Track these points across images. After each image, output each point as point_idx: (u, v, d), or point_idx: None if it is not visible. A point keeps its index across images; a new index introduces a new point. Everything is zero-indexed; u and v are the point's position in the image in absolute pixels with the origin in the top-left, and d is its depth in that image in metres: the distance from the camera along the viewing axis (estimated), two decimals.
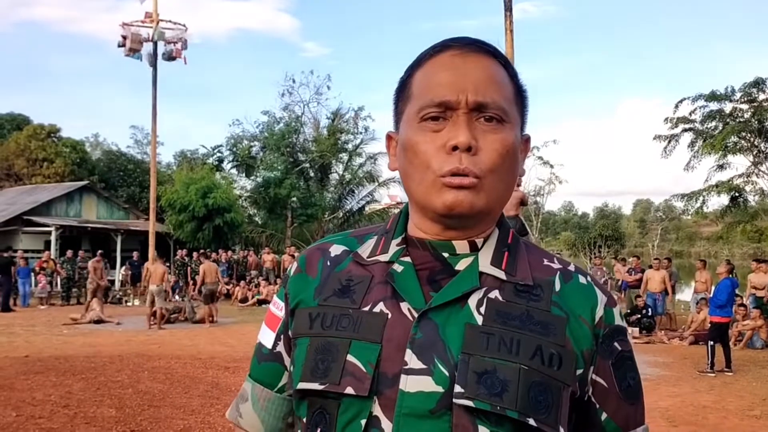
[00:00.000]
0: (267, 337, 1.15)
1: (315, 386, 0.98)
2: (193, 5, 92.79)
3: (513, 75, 1.04)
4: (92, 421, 6.98)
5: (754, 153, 24.30)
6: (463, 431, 0.90)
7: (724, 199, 25.57)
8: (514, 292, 0.99)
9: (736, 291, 12.78)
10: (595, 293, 1.03)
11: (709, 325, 11.44)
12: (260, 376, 1.15)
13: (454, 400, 0.91)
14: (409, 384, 0.93)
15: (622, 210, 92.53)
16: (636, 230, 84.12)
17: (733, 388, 9.41)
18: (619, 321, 1.03)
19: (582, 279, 1.04)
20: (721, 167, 24.83)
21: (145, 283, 15.54)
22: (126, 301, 21.58)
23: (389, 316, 0.98)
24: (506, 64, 1.04)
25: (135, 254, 24.01)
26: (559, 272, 1.04)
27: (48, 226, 26.10)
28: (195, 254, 23.87)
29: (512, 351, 0.94)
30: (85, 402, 7.76)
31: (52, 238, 25.71)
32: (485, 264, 1.01)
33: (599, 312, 1.01)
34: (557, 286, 1.01)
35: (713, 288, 16.36)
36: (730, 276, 11.65)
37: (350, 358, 0.97)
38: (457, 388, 0.91)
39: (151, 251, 21.10)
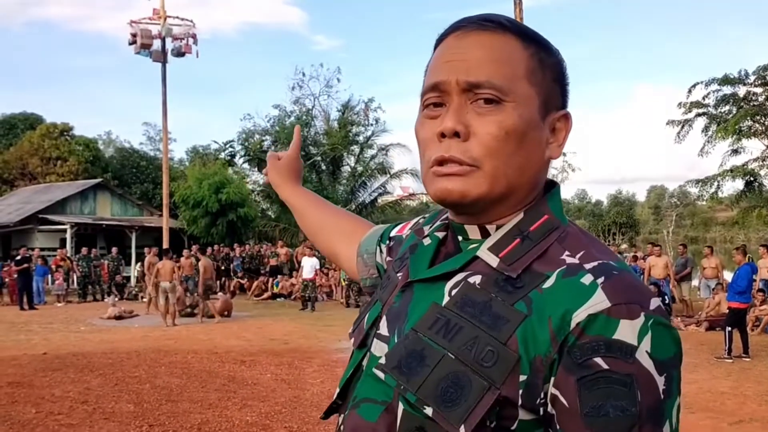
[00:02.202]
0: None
1: (350, 330, 1.10)
2: (201, 1, 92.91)
3: (531, 47, 0.96)
4: (111, 416, 7.03)
5: None
6: (394, 404, 0.91)
7: (739, 184, 25.37)
8: (494, 281, 0.91)
9: (754, 276, 12.69)
10: (588, 296, 0.83)
11: (727, 310, 11.37)
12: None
13: (373, 369, 0.95)
14: (376, 347, 0.98)
15: (636, 197, 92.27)
16: (650, 217, 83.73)
17: (750, 374, 9.35)
18: (621, 335, 0.81)
19: (587, 278, 0.85)
20: (735, 152, 24.62)
21: (155, 280, 15.54)
22: (142, 297, 21.71)
23: (398, 282, 1.04)
24: (523, 36, 0.96)
25: (147, 250, 24.17)
26: (565, 267, 0.88)
27: (63, 224, 26.31)
28: (208, 249, 23.99)
29: (447, 336, 0.88)
30: (103, 398, 7.82)
31: (68, 235, 25.91)
32: (484, 248, 0.95)
33: (578, 317, 0.82)
34: (549, 283, 0.87)
35: (725, 273, 16.33)
36: (748, 261, 11.57)
37: (367, 314, 1.06)
38: (382, 360, 0.94)
39: (165, 246, 21.17)
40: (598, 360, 0.80)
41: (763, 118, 23.75)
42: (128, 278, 24.31)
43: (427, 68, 1.00)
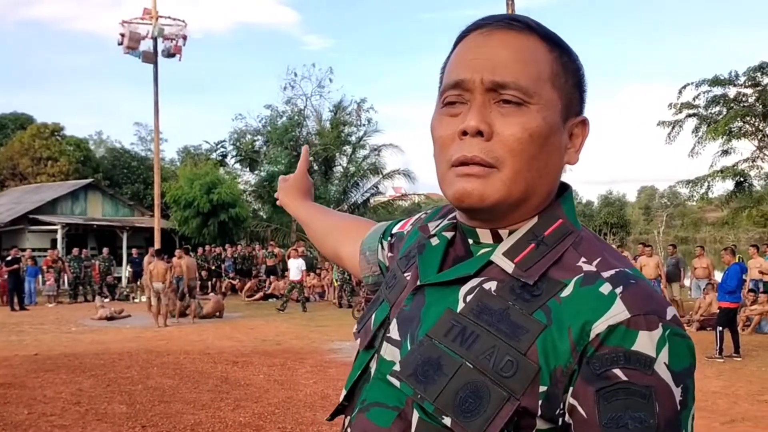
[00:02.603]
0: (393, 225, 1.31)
1: (354, 329, 1.10)
2: (193, 0, 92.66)
3: (555, 51, 0.95)
4: (103, 417, 7.01)
5: (759, 137, 24.22)
6: (407, 411, 0.90)
7: (729, 185, 25.53)
8: (510, 288, 0.90)
9: (744, 276, 12.76)
10: (608, 306, 0.83)
11: (718, 310, 11.43)
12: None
13: (387, 376, 0.93)
14: (386, 351, 0.97)
15: (627, 197, 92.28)
16: (641, 217, 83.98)
17: (742, 373, 9.41)
18: (639, 347, 0.81)
19: (605, 287, 0.85)
20: (725, 152, 24.77)
21: (147, 281, 15.50)
22: (133, 298, 21.66)
23: (407, 283, 1.02)
24: (547, 40, 0.94)
25: (135, 251, 24.17)
26: (582, 275, 0.88)
27: (54, 224, 26.20)
28: (199, 250, 23.95)
29: (465, 344, 0.87)
30: (95, 399, 7.79)
31: (59, 236, 25.80)
32: (499, 253, 0.93)
33: (598, 327, 0.82)
34: (567, 291, 0.87)
35: (716, 273, 16.42)
36: (738, 261, 11.64)
37: (374, 314, 1.05)
38: (396, 366, 0.93)
39: (157, 247, 21.12)
40: (617, 371, 0.80)
41: (753, 119, 23.90)
42: (119, 279, 24.24)
43: (445, 65, 0.99)
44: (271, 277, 22.42)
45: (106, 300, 18.55)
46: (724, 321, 10.85)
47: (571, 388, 0.83)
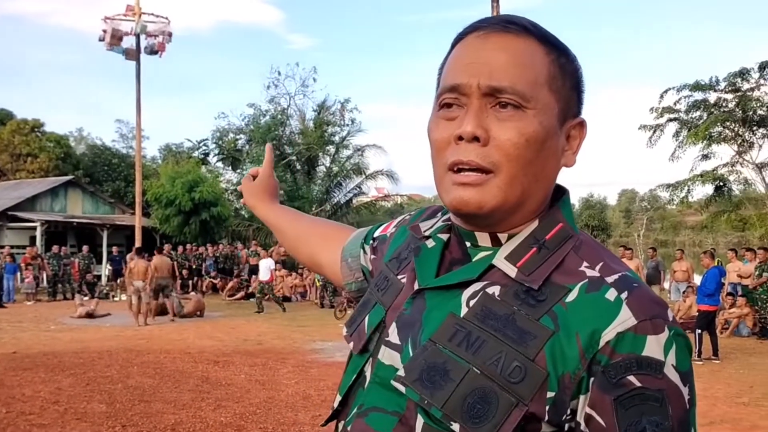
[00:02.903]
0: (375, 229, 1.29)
1: (344, 332, 1.08)
2: None
3: (553, 53, 0.94)
4: (83, 416, 6.95)
5: (738, 142, 24.50)
6: (409, 416, 0.89)
7: (709, 189, 25.81)
8: (514, 293, 0.90)
9: (722, 280, 12.89)
10: (615, 313, 0.84)
11: (697, 313, 11.54)
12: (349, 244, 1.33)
13: (392, 381, 0.92)
14: (385, 355, 0.95)
15: (608, 200, 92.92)
16: (621, 220, 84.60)
17: (720, 376, 9.50)
18: (649, 352, 0.82)
19: (611, 293, 0.86)
20: (705, 157, 25.06)
21: (129, 279, 15.38)
22: (113, 297, 21.49)
23: (404, 286, 1.01)
24: (545, 41, 0.94)
25: (115, 249, 24.00)
26: (587, 281, 0.88)
27: (33, 221, 25.91)
28: (180, 248, 23.81)
29: (471, 349, 0.87)
30: (75, 398, 7.72)
31: (38, 233, 25.54)
32: (501, 257, 0.93)
33: (608, 335, 0.83)
34: (572, 296, 0.87)
35: (695, 276, 16.58)
36: (717, 264, 11.75)
37: (367, 317, 1.03)
38: (400, 371, 0.91)
39: (137, 246, 20.99)
40: (631, 378, 0.82)
41: (733, 125, 24.17)
42: (99, 277, 24.04)
43: (442, 67, 0.98)
44: (254, 276, 22.34)
45: (86, 298, 18.36)
46: (703, 324, 10.96)
47: (581, 396, 0.84)
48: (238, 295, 21.33)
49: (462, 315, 0.90)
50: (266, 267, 18.19)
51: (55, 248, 21.90)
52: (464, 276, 0.93)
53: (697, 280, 15.12)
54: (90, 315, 15.88)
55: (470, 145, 0.89)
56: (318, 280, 20.04)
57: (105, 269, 25.09)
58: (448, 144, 0.92)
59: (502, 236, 0.95)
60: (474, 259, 0.96)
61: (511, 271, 0.91)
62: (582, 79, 0.98)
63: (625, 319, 0.84)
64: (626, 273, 0.90)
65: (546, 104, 0.91)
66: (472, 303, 0.91)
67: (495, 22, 0.94)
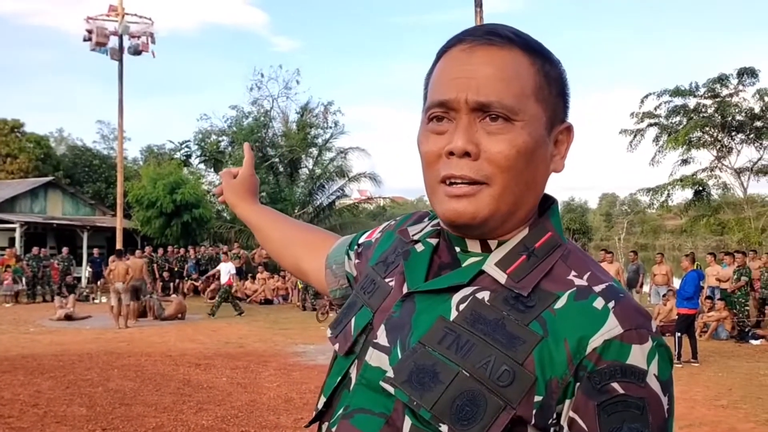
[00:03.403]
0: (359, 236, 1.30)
1: (329, 333, 1.08)
2: None
3: (538, 62, 0.95)
4: (63, 420, 6.89)
5: (717, 147, 24.76)
6: (396, 417, 0.90)
7: (688, 193, 26.07)
8: (503, 299, 0.91)
9: (701, 283, 13.02)
10: (603, 321, 0.86)
11: (677, 316, 11.65)
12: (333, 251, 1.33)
13: (380, 383, 0.92)
14: (372, 357, 0.96)
15: (589, 204, 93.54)
16: (602, 224, 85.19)
17: (699, 379, 9.60)
18: (633, 360, 0.85)
19: (599, 302, 0.88)
20: (685, 162, 25.31)
21: (110, 279, 15.29)
22: (93, 299, 21.32)
23: (392, 289, 1.02)
24: (529, 50, 0.95)
25: (96, 251, 23.83)
26: (575, 289, 0.90)
27: (12, 222, 25.66)
28: (161, 250, 23.66)
29: (460, 353, 0.88)
30: (54, 401, 7.66)
31: (17, 234, 25.29)
32: (491, 263, 0.95)
33: (594, 342, 0.85)
34: (560, 303, 0.89)
35: (674, 280, 16.74)
36: (696, 268, 11.87)
37: (353, 319, 1.04)
38: (389, 372, 0.92)
39: (119, 247, 20.86)
40: (615, 385, 0.84)
41: (712, 130, 24.43)
42: (79, 279, 23.84)
43: (429, 78, 0.99)
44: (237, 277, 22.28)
45: (64, 300, 18.22)
46: (683, 327, 11.07)
47: (567, 401, 0.86)
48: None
49: (451, 318, 0.92)
50: (226, 271, 18.03)
51: (35, 250, 21.71)
52: (454, 280, 0.95)
53: (676, 283, 15.28)
54: (69, 317, 15.75)
55: (462, 160, 0.91)
56: (299, 283, 19.99)
57: (85, 271, 24.89)
58: (438, 157, 0.93)
59: (492, 243, 0.97)
60: (463, 265, 0.97)
61: (501, 277, 0.93)
62: (567, 83, 1.00)
63: (611, 328, 0.86)
64: (612, 283, 0.92)
65: (533, 115, 0.93)
66: (461, 307, 0.92)
67: (479, 35, 0.94)
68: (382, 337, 0.96)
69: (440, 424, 0.86)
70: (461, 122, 0.92)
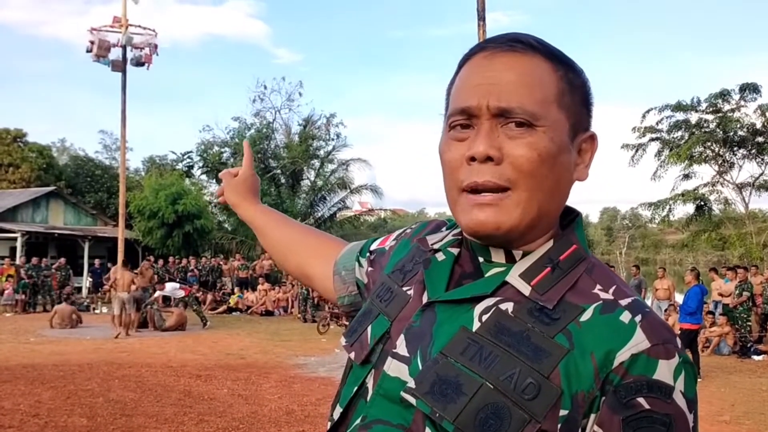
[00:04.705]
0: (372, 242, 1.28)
1: (343, 341, 1.06)
2: (164, 10, 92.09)
3: (560, 69, 0.94)
4: (63, 430, 6.88)
5: (719, 162, 24.80)
6: (415, 429, 0.88)
7: (690, 208, 26.06)
8: (528, 310, 0.90)
9: (704, 298, 13.00)
10: (630, 335, 0.85)
11: (679, 331, 11.61)
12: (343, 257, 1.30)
13: (401, 393, 0.90)
14: (391, 367, 0.94)
15: (590, 218, 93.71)
16: (603, 238, 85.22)
17: (702, 394, 9.51)
18: (660, 376, 0.83)
19: (625, 315, 0.87)
20: (686, 176, 25.32)
21: (113, 288, 15.32)
22: (93, 309, 21.29)
23: (411, 298, 1.00)
24: (552, 58, 0.94)
25: (97, 262, 23.82)
26: (601, 302, 0.89)
27: (14, 232, 25.67)
28: (161, 261, 23.67)
29: (484, 364, 0.87)
30: (55, 411, 7.63)
31: (18, 244, 25.28)
32: (515, 274, 0.93)
33: (622, 356, 0.84)
34: (586, 316, 0.88)
35: (676, 294, 16.71)
36: (699, 283, 11.85)
37: (369, 327, 1.02)
38: (410, 383, 0.90)
39: (120, 258, 20.84)
40: (641, 400, 0.82)
41: (714, 145, 24.46)
42: (79, 289, 23.81)
43: (451, 87, 0.99)
44: (243, 288, 22.35)
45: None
46: (685, 342, 11.01)
47: (592, 415, 0.84)
48: (221, 309, 21.21)
49: (474, 329, 0.90)
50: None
51: (34, 260, 21.71)
52: (477, 291, 0.93)
53: (679, 298, 15.26)
54: (70, 323, 15.73)
55: (484, 166, 0.90)
56: (301, 293, 19.96)
57: (86, 281, 24.86)
58: (460, 165, 0.93)
59: (517, 253, 0.95)
60: (486, 275, 0.96)
61: (525, 289, 0.91)
62: (590, 92, 0.99)
63: (639, 342, 0.84)
64: (637, 298, 0.91)
65: (556, 121, 0.92)
66: (485, 318, 0.91)
67: (501, 42, 0.94)
68: (401, 346, 0.95)
69: None
70: (483, 128, 0.91)
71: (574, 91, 0.95)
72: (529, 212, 0.91)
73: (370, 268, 1.21)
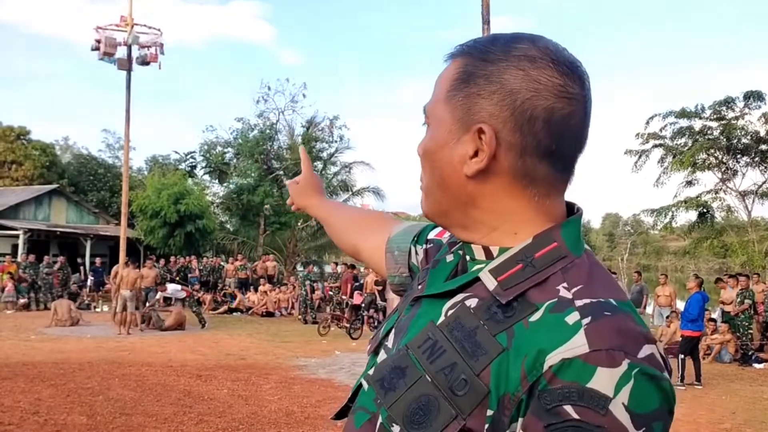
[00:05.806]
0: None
1: (372, 335, 1.11)
2: (170, 10, 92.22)
3: (467, 63, 0.92)
4: (63, 428, 6.87)
5: (722, 170, 24.74)
6: (376, 416, 0.92)
7: (692, 215, 26.01)
8: (487, 306, 0.87)
9: (706, 305, 12.97)
10: (567, 337, 0.78)
11: (680, 338, 11.59)
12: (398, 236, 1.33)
13: (361, 379, 0.98)
14: (380, 358, 1.00)
15: (591, 224, 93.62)
16: (605, 244, 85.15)
17: (703, 402, 9.54)
18: (595, 384, 0.75)
19: (573, 316, 0.81)
20: (689, 183, 25.26)
21: (116, 286, 15.33)
22: (95, 307, 21.29)
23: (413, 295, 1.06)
24: (464, 54, 0.94)
25: (98, 260, 23.82)
26: (555, 300, 0.83)
27: (16, 229, 25.70)
28: (162, 260, 23.68)
29: (431, 358, 0.87)
30: (55, 409, 7.63)
31: (20, 241, 25.31)
32: (486, 270, 0.91)
33: (551, 359, 0.78)
34: (537, 315, 0.83)
35: (678, 301, 16.69)
36: (701, 290, 11.83)
37: (386, 321, 1.07)
38: (371, 371, 0.96)
39: (122, 256, 20.85)
40: (568, 408, 0.76)
41: (717, 152, 24.42)
42: (81, 287, 23.80)
43: None
44: (243, 289, 22.34)
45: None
46: (687, 349, 11.01)
47: (520, 419, 0.79)
48: (221, 309, 21.21)
49: (438, 323, 0.91)
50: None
51: (31, 257, 21.74)
52: (450, 286, 0.95)
53: (680, 305, 15.24)
54: (71, 321, 15.71)
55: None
56: (301, 296, 19.96)
57: (87, 280, 24.85)
58: None
59: (494, 249, 0.93)
60: (470, 271, 0.96)
61: (491, 284, 0.89)
62: (502, 83, 0.89)
63: (576, 346, 0.78)
64: (609, 300, 0.83)
65: (438, 118, 0.95)
66: (449, 313, 0.91)
67: (450, 51, 0.99)
68: (390, 339, 1.01)
69: (393, 425, 0.88)
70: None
71: (470, 80, 0.91)
72: (431, 204, 0.99)
73: (423, 259, 1.23)
